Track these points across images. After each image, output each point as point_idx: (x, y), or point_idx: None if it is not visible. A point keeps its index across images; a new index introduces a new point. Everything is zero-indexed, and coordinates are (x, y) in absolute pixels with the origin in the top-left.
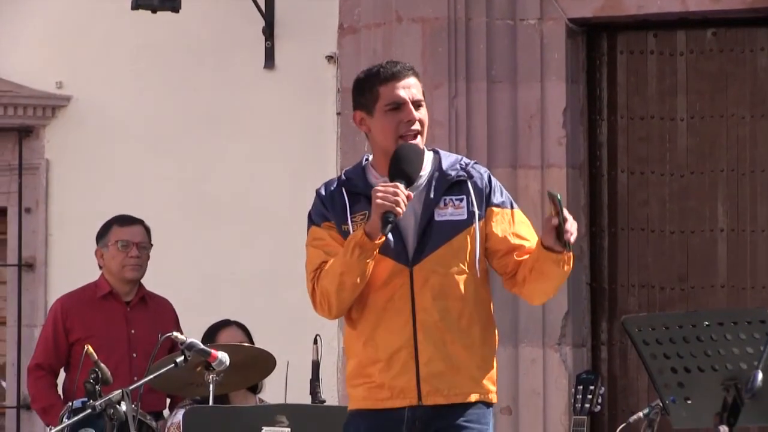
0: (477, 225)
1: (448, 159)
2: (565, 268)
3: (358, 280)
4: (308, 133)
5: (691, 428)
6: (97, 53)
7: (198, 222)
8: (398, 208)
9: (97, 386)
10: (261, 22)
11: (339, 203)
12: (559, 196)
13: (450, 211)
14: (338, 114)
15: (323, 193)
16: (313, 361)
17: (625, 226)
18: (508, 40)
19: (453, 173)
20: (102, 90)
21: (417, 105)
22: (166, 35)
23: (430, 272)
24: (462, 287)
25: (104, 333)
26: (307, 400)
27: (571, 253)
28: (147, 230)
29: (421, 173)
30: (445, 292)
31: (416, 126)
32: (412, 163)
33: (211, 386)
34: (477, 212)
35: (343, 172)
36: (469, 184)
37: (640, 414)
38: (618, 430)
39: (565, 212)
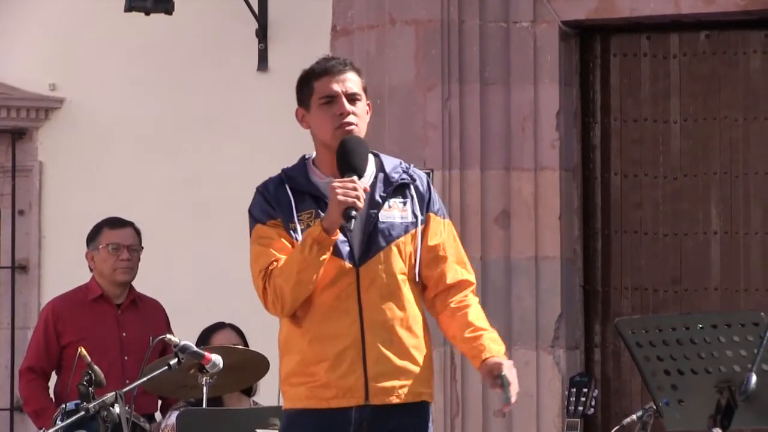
0: (419, 228)
1: (389, 161)
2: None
3: (314, 276)
4: (302, 134)
5: (684, 431)
6: (90, 55)
7: (191, 224)
8: (359, 203)
9: (90, 388)
10: (254, 24)
11: (285, 202)
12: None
13: (395, 213)
14: None
15: (267, 191)
16: None
17: (618, 228)
18: (501, 43)
19: (396, 176)
20: (95, 92)
21: (352, 99)
22: (160, 37)
23: (376, 273)
24: (406, 288)
25: (95, 336)
26: None
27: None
28: (137, 232)
29: (368, 173)
30: (391, 293)
31: (350, 118)
32: (360, 155)
33: (204, 388)
34: (420, 216)
35: (283, 170)
36: (412, 187)
37: (634, 416)
38: None
39: (511, 385)
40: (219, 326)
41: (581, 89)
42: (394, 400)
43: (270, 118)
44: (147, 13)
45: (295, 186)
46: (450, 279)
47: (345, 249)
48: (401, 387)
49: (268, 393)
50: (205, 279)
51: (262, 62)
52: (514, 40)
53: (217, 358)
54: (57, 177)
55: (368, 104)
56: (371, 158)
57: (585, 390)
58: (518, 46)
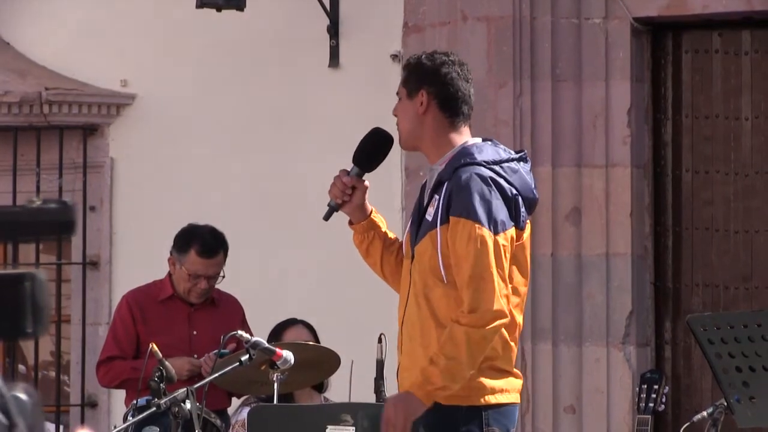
0: (438, 229)
1: (460, 155)
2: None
3: (364, 258)
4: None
5: (756, 427)
6: (161, 51)
7: (264, 220)
8: (334, 193)
9: (161, 384)
10: (326, 21)
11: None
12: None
13: (431, 210)
14: None
15: None
16: (377, 360)
17: (689, 225)
18: (572, 39)
19: (444, 172)
20: (166, 88)
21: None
22: (231, 34)
23: (415, 268)
24: (429, 288)
25: (166, 333)
26: (371, 398)
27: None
28: (225, 255)
29: (437, 166)
30: (419, 291)
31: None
32: (371, 152)
33: (275, 385)
34: (440, 216)
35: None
36: (445, 186)
37: (704, 413)
38: (682, 429)
39: None
40: (291, 322)
41: (653, 86)
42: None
43: (341, 114)
44: (218, 10)
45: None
46: (459, 288)
47: (407, 242)
48: (407, 385)
49: (339, 389)
50: (276, 276)
51: (334, 59)
52: (585, 37)
53: (288, 355)
54: (128, 173)
55: (422, 99)
56: (455, 151)
57: (656, 387)
58: (590, 43)
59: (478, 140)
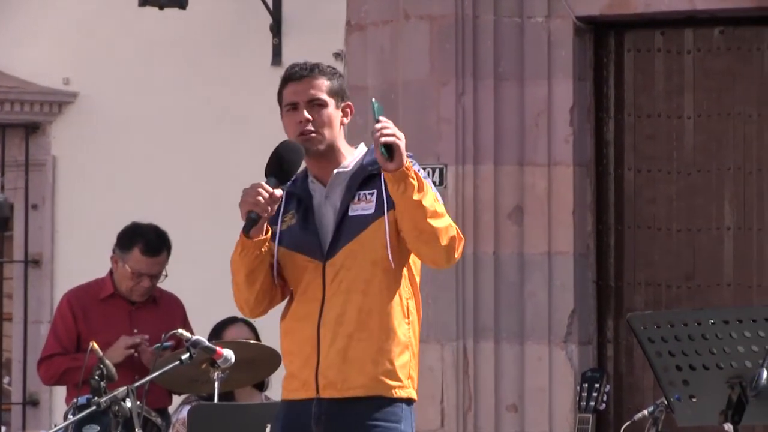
0: (386, 217)
1: (371, 154)
2: (409, 194)
3: (244, 276)
4: None
5: (695, 426)
6: (104, 49)
7: (205, 218)
8: (257, 208)
9: (101, 383)
10: (268, 19)
11: (279, 205)
12: (376, 104)
13: (361, 206)
14: None
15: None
16: None
17: (631, 223)
18: (515, 38)
19: (369, 168)
20: (109, 86)
21: (315, 104)
22: (173, 31)
23: (340, 267)
24: (369, 281)
25: (107, 331)
26: None
27: (404, 170)
28: (168, 255)
29: (343, 167)
30: (351, 287)
31: (308, 126)
32: (287, 162)
33: (216, 383)
34: (386, 203)
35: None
36: (382, 176)
37: (645, 412)
38: (623, 427)
39: (381, 118)
40: (231, 321)
41: (595, 85)
42: (338, 394)
43: None
44: (161, 8)
45: (290, 188)
46: None
47: (313, 245)
48: (345, 381)
49: (279, 388)
50: (218, 274)
51: (276, 57)
52: (528, 36)
53: (228, 353)
54: (70, 171)
55: (346, 106)
56: (361, 152)
57: (597, 385)
58: (532, 42)
59: None
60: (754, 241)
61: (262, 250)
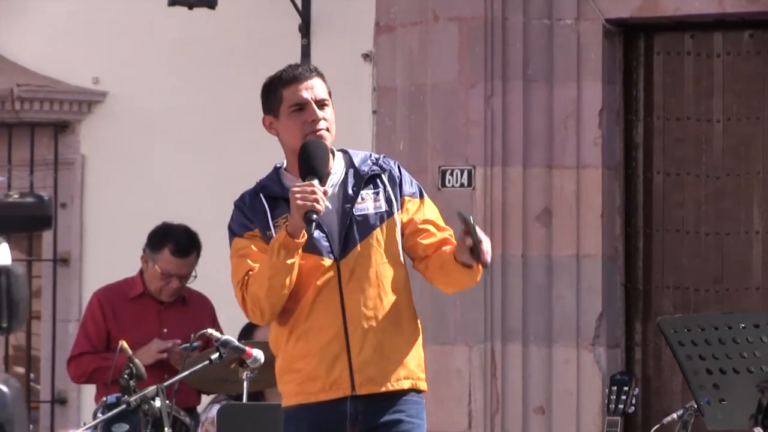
0: (396, 215)
1: (358, 156)
2: (477, 278)
3: (287, 280)
4: (344, 131)
5: (725, 430)
6: (133, 49)
7: None
8: (318, 206)
9: (131, 382)
10: (297, 20)
11: (260, 210)
12: (471, 218)
13: (368, 204)
14: (374, 112)
15: (243, 203)
16: None
17: (660, 227)
18: (544, 40)
19: (366, 168)
20: (138, 86)
21: (320, 105)
22: (203, 32)
23: (356, 265)
24: (386, 277)
25: (136, 330)
26: None
27: (482, 267)
28: (198, 255)
29: (334, 171)
30: (371, 283)
31: (321, 124)
32: (320, 159)
33: (245, 383)
34: (395, 203)
35: (258, 182)
36: (384, 177)
37: (674, 415)
38: (652, 431)
39: (479, 232)
40: None
41: (624, 87)
42: (381, 389)
43: None
44: (190, 8)
45: (269, 193)
46: (434, 245)
47: (324, 245)
48: (385, 375)
49: None
50: None
51: (305, 58)
52: (557, 38)
53: (258, 353)
54: (99, 170)
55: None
56: (340, 156)
57: (625, 388)
58: (562, 44)
59: None
60: None
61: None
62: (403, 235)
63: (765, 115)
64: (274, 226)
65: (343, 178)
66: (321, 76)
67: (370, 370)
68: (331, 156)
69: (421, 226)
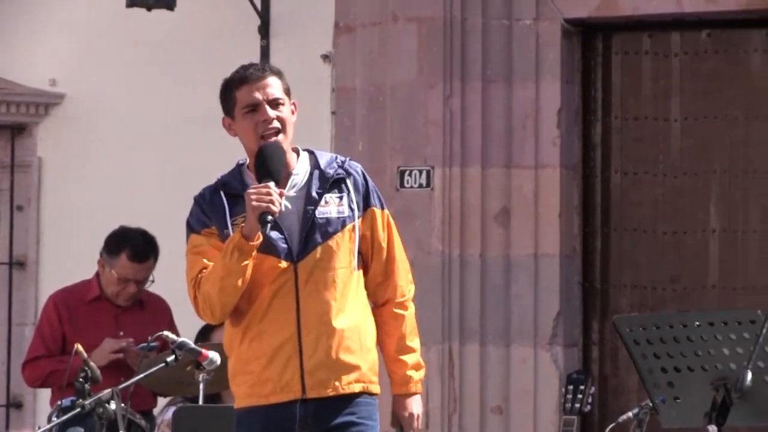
0: (357, 222)
1: (323, 157)
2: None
3: (239, 282)
4: (303, 131)
5: (680, 428)
6: (91, 51)
7: None
8: (273, 207)
9: (86, 385)
10: (257, 20)
11: (219, 208)
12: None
13: (331, 208)
14: (333, 113)
15: (203, 199)
16: None
17: (618, 226)
18: (503, 40)
19: (332, 171)
20: (96, 88)
21: (274, 104)
22: (161, 33)
23: (313, 268)
24: (343, 282)
25: (92, 334)
26: None
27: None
28: (155, 260)
29: (296, 172)
30: (328, 287)
31: (274, 124)
32: (276, 162)
33: (201, 385)
34: (356, 210)
35: (219, 177)
36: (348, 182)
37: (630, 414)
38: (608, 429)
39: None
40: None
41: (583, 87)
42: (331, 392)
43: None
44: (149, 9)
45: (230, 190)
46: (389, 274)
47: (282, 247)
48: (339, 379)
49: None
50: None
51: (264, 59)
52: (516, 38)
53: (214, 355)
54: (56, 173)
55: (293, 104)
56: (306, 156)
57: (582, 387)
58: (520, 44)
59: None
60: (740, 244)
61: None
62: (361, 244)
63: (722, 115)
64: (232, 225)
65: (307, 180)
66: (277, 74)
67: (321, 374)
68: (295, 156)
69: (381, 245)
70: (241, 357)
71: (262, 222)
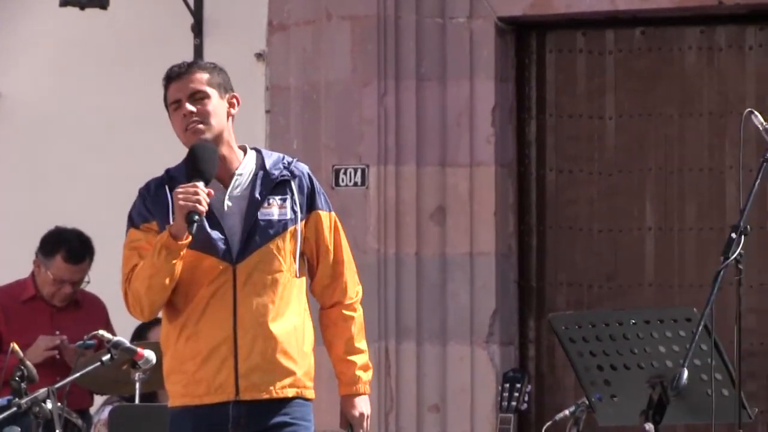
0: (299, 226)
1: (270, 158)
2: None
3: (167, 281)
4: (237, 130)
5: (617, 426)
6: (25, 50)
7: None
8: (201, 207)
9: (22, 384)
10: (190, 20)
11: (163, 202)
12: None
13: (274, 210)
14: (267, 112)
15: (148, 192)
16: None
17: (553, 224)
18: (437, 38)
19: (277, 172)
20: (30, 87)
21: (195, 97)
22: (95, 32)
23: (253, 270)
24: (282, 285)
25: (28, 333)
26: None
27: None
28: (91, 261)
29: (240, 172)
30: (266, 290)
31: (194, 118)
32: (206, 161)
33: (137, 384)
34: (299, 213)
35: (166, 170)
36: (293, 183)
37: (567, 412)
38: (544, 428)
39: None
40: (155, 322)
41: (517, 85)
42: (265, 395)
43: None
44: (82, 8)
45: (175, 185)
46: (336, 276)
47: (222, 247)
48: (270, 383)
49: None
50: None
51: (198, 57)
52: (450, 36)
53: (149, 354)
54: None
55: (231, 97)
56: (252, 155)
57: (518, 385)
58: (454, 42)
59: None
60: (675, 241)
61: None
62: (304, 247)
63: (657, 112)
64: (173, 221)
65: (251, 180)
66: (205, 69)
67: (255, 377)
68: (241, 153)
69: (327, 248)
70: (177, 355)
71: (189, 221)
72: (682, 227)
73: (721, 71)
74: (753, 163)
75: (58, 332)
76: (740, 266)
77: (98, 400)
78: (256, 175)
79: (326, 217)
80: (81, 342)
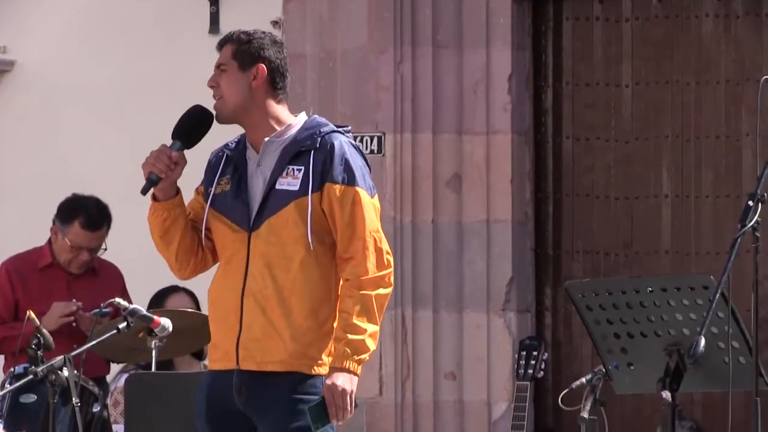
0: (310, 198)
1: (309, 127)
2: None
3: (157, 237)
4: None
5: (634, 394)
6: (41, 17)
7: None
8: (155, 169)
9: (39, 352)
10: None
11: (215, 167)
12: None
13: (288, 180)
14: None
15: (213, 156)
16: None
17: (570, 192)
18: (453, 6)
19: (302, 144)
20: (46, 55)
21: (219, 71)
22: (111, 0)
23: (264, 239)
24: (289, 258)
25: (45, 301)
26: None
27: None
28: (108, 228)
29: (271, 139)
30: (273, 261)
31: (215, 92)
32: (189, 125)
33: (153, 352)
34: (311, 185)
35: (227, 143)
36: (312, 154)
37: (583, 380)
38: (561, 395)
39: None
40: (172, 289)
41: (534, 53)
42: (257, 367)
43: None
44: None
45: (229, 152)
46: (353, 252)
47: (242, 214)
48: (264, 354)
49: None
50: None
51: (214, 25)
52: (466, 3)
53: (166, 322)
54: (6, 140)
55: (256, 68)
56: (299, 120)
57: (535, 353)
58: (471, 10)
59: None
60: (692, 209)
61: (172, 213)
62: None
63: (674, 80)
64: (216, 184)
65: (283, 148)
66: (232, 41)
67: (252, 348)
68: (286, 121)
69: (337, 223)
70: (209, 321)
71: (148, 180)
72: (698, 195)
73: (738, 39)
74: None
75: (74, 300)
76: (757, 234)
77: (115, 368)
78: (289, 144)
79: (339, 190)
80: (97, 310)
